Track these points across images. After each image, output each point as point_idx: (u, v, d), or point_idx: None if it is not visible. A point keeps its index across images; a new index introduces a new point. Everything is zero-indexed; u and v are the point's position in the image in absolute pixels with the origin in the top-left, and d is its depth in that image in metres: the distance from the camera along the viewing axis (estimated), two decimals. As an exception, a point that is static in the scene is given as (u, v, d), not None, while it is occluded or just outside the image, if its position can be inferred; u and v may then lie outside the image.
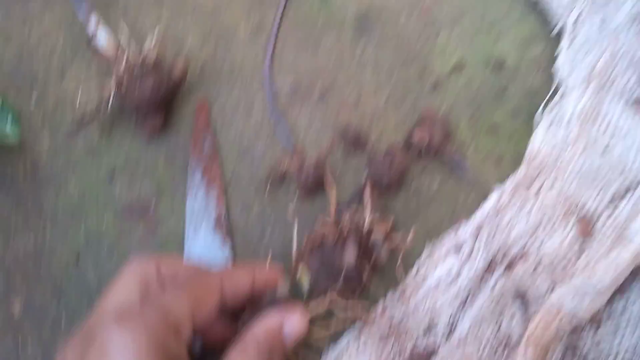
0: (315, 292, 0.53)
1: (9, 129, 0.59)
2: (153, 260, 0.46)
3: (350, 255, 0.49)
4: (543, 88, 0.63)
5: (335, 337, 0.53)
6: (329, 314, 0.52)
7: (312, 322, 0.50)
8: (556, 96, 0.62)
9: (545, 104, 0.62)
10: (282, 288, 0.50)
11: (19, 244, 0.59)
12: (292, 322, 0.47)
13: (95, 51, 0.61)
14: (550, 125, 0.60)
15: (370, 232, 0.52)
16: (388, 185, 0.57)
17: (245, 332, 0.46)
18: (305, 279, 0.53)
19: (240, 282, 0.47)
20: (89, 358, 0.37)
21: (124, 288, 0.44)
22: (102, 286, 0.57)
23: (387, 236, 0.53)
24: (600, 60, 0.61)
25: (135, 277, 0.44)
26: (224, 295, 0.46)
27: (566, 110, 0.60)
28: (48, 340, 0.56)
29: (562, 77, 0.62)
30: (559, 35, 0.64)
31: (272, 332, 0.46)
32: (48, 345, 0.56)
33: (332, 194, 0.55)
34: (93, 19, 0.62)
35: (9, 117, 0.60)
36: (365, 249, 0.52)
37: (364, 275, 0.51)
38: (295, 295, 0.52)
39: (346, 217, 0.53)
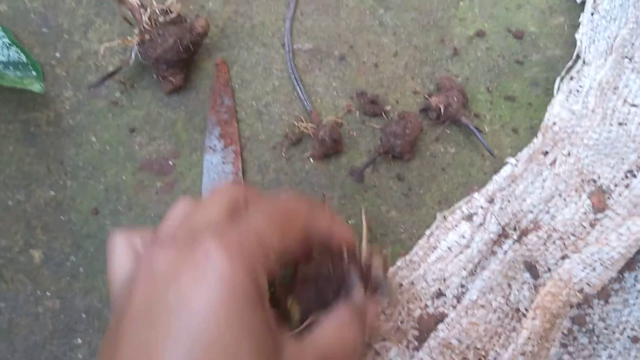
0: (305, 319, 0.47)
1: (33, 82, 0.55)
2: (242, 187, 0.40)
3: (358, 294, 0.42)
4: (563, 59, 0.59)
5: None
6: None
7: None
8: (576, 66, 0.57)
9: (564, 73, 0.57)
10: (377, 269, 0.44)
11: (40, 194, 0.56)
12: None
13: (119, 2, 0.57)
14: (569, 95, 0.56)
15: (369, 267, 0.45)
16: (401, 151, 0.54)
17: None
18: (295, 310, 0.47)
19: (321, 224, 0.40)
20: (185, 268, 0.32)
21: (214, 206, 0.37)
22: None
23: (385, 268, 0.46)
24: (622, 31, 0.57)
25: (225, 197, 0.38)
26: (307, 232, 0.38)
27: (585, 81, 0.56)
28: (66, 290, 0.53)
29: (582, 48, 0.58)
30: (581, 6, 0.59)
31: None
32: (66, 295, 0.53)
33: (365, 234, 0.49)
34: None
35: (34, 70, 0.57)
36: (366, 284, 0.45)
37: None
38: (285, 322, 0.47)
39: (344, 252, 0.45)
